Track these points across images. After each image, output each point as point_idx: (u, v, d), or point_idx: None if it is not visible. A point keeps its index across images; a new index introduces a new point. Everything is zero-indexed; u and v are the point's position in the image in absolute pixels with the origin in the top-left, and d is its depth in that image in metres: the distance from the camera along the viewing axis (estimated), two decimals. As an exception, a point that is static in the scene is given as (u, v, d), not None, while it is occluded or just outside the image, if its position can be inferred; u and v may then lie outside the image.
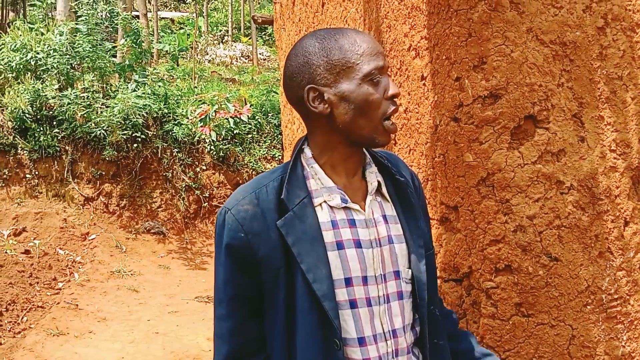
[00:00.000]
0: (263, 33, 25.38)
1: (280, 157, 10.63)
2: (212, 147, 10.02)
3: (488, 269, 2.15)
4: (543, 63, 2.09)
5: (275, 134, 11.01)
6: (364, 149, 1.57)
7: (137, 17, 15.03)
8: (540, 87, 2.09)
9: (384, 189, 1.55)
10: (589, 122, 2.15)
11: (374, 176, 1.53)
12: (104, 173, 9.36)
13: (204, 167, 10.08)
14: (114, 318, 6.59)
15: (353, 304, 1.42)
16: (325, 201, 1.45)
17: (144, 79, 9.88)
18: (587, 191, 2.14)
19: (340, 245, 1.42)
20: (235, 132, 10.25)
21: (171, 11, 28.85)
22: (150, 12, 20.03)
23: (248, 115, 9.38)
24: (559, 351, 2.14)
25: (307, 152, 1.51)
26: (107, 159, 9.28)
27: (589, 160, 2.14)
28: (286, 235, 1.40)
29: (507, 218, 2.11)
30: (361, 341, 1.43)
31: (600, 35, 2.15)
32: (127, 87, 9.53)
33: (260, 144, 10.83)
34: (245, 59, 22.30)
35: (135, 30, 10.29)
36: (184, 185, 9.74)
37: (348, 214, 1.46)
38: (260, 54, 22.40)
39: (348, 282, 1.42)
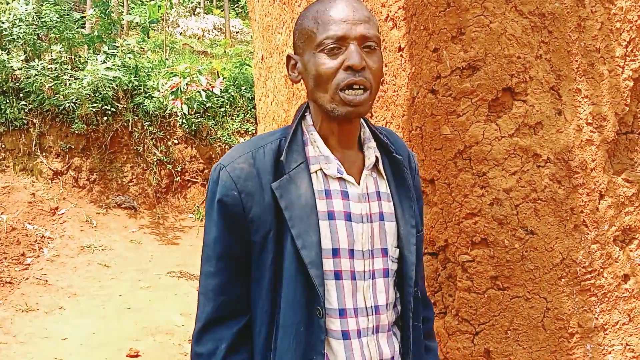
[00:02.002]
0: (236, 5, 24.97)
1: (253, 131, 10.53)
2: (184, 121, 9.87)
3: (464, 242, 2.14)
4: (522, 34, 2.06)
5: (249, 108, 10.89)
6: (364, 122, 1.54)
7: (106, -13, 14.64)
8: (518, 59, 2.07)
9: (380, 165, 1.52)
10: (566, 94, 2.14)
11: (372, 151, 1.51)
12: (73, 147, 9.15)
13: (176, 141, 9.94)
14: (85, 293, 6.50)
15: (338, 275, 1.41)
16: (321, 169, 1.43)
17: (114, 51, 9.64)
18: (563, 164, 2.14)
19: (331, 216, 1.41)
20: (207, 105, 10.10)
21: (141, -18, 28.23)
22: (120, -18, 19.55)
23: (221, 89, 9.23)
24: (533, 324, 2.15)
25: (309, 118, 1.49)
26: (77, 132, 9.06)
27: (565, 134, 2.14)
28: (280, 198, 1.38)
29: (484, 191, 2.10)
30: (342, 313, 1.42)
31: (579, 7, 2.13)
32: (97, 59, 9.27)
33: (234, 117, 10.70)
34: (218, 31, 21.92)
35: (104, 1, 10.01)
36: (155, 159, 9.59)
37: (342, 185, 1.44)
38: (232, 26, 22.04)
39: (335, 252, 1.40)
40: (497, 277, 2.12)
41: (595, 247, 2.19)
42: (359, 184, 1.46)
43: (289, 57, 1.48)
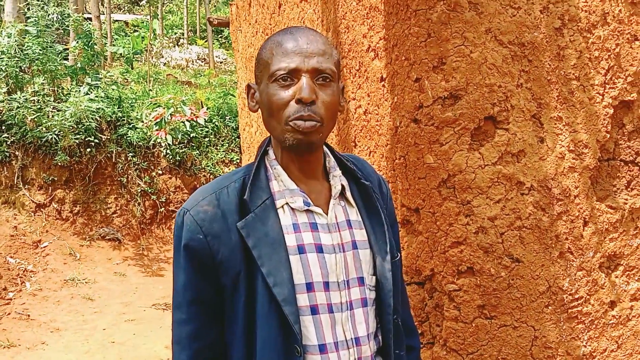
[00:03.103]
0: (219, 36, 25.15)
1: (238, 161, 10.52)
2: (168, 151, 9.85)
3: (450, 271, 2.13)
4: (502, 64, 2.08)
5: (233, 137, 10.90)
6: (328, 152, 1.53)
7: (90, 19, 14.71)
8: (499, 88, 2.08)
9: (348, 193, 1.50)
10: (547, 122, 2.15)
11: (337, 180, 1.49)
12: (56, 179, 9.09)
13: (160, 172, 9.90)
14: (68, 328, 6.39)
15: (314, 310, 1.38)
16: (287, 203, 1.41)
17: (97, 82, 9.64)
18: (547, 192, 2.14)
19: (301, 250, 1.38)
20: (191, 135, 10.10)
21: (125, 14, 28.37)
22: (103, 14, 19.64)
23: (205, 119, 9.26)
24: (522, 352, 2.13)
25: (271, 153, 1.48)
26: (59, 164, 9.01)
27: (548, 161, 2.15)
28: (247, 237, 1.35)
29: (469, 220, 2.10)
30: (322, 348, 1.38)
31: (558, 36, 2.16)
32: (80, 91, 9.27)
33: (218, 147, 10.70)
34: (202, 61, 22.05)
35: (87, 32, 10.04)
36: (139, 190, 9.54)
37: (310, 218, 1.42)
38: (216, 56, 22.19)
39: (309, 287, 1.37)
40: (485, 305, 2.11)
41: (581, 274, 2.19)
42: (327, 214, 1.44)
43: (248, 86, 1.48)
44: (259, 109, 1.46)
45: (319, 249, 1.39)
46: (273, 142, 1.49)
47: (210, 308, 1.39)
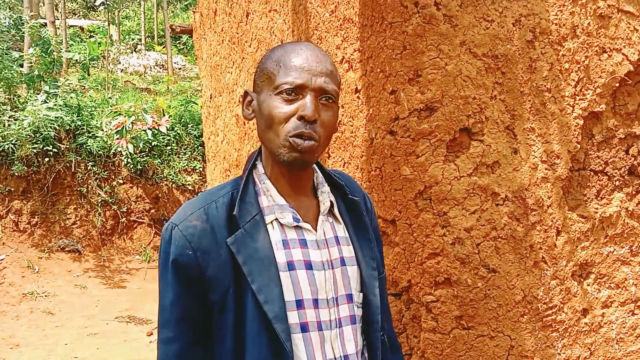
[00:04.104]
0: (177, 42, 24.89)
1: (201, 169, 10.41)
2: (129, 160, 9.68)
3: (427, 282, 2.13)
4: (476, 76, 2.10)
5: (196, 146, 10.78)
6: (316, 167, 1.52)
7: (45, 25, 14.38)
8: (474, 100, 2.10)
9: (335, 210, 1.49)
10: (521, 134, 2.18)
11: (326, 196, 1.48)
12: (12, 189, 8.84)
13: (121, 181, 9.73)
14: (29, 344, 6.20)
15: (304, 328, 1.36)
16: (276, 219, 1.39)
17: (55, 90, 9.42)
18: (521, 202, 2.17)
19: (291, 266, 1.36)
20: (153, 144, 9.96)
21: (80, 19, 27.85)
22: (58, 19, 19.24)
23: (167, 127, 9.14)
24: (499, 362, 2.15)
25: (260, 167, 1.46)
26: (16, 174, 8.77)
27: (522, 172, 2.17)
28: (236, 254, 1.32)
29: (445, 231, 2.10)
30: None
31: (530, 49, 2.19)
32: (37, 99, 9.05)
33: (180, 155, 10.57)
34: (160, 68, 21.79)
35: (45, 39, 9.81)
36: (99, 200, 9.36)
37: (299, 234, 1.40)
38: (175, 62, 21.95)
39: (299, 304, 1.36)
40: (462, 316, 2.12)
41: (555, 283, 2.22)
42: (316, 230, 1.43)
43: (246, 93, 1.46)
44: (254, 118, 1.44)
45: (309, 265, 1.38)
46: (263, 155, 1.47)
47: (198, 326, 1.35)
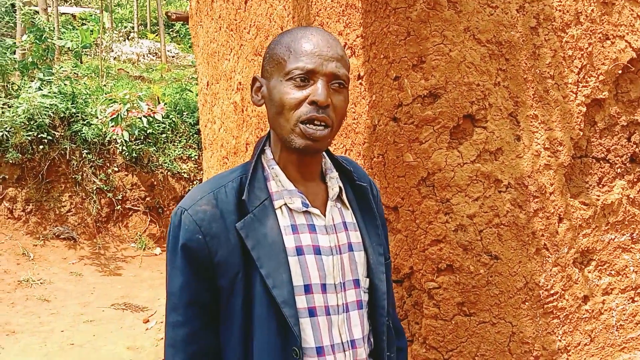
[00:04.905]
0: (171, 30, 24.72)
1: (196, 157, 10.37)
2: (124, 148, 9.64)
3: (430, 269, 2.13)
4: (480, 62, 2.10)
5: (191, 134, 10.74)
6: (324, 153, 1.51)
7: (37, 12, 14.24)
8: (478, 87, 2.09)
9: (344, 196, 1.49)
10: (524, 120, 2.18)
11: (335, 181, 1.48)
12: (7, 177, 8.78)
13: (116, 169, 9.69)
14: (24, 331, 6.19)
15: (312, 312, 1.36)
16: (285, 204, 1.39)
17: (49, 77, 9.34)
18: (523, 189, 2.17)
19: (300, 251, 1.36)
20: (148, 131, 9.90)
21: (72, 6, 27.61)
22: (50, 7, 19.06)
23: (162, 114, 9.07)
24: (500, 348, 2.15)
25: (268, 152, 1.45)
26: (11, 161, 8.70)
27: (524, 159, 2.17)
28: (245, 238, 1.32)
29: (448, 217, 2.10)
30: (319, 351, 1.36)
31: (533, 35, 2.18)
32: (31, 86, 8.97)
33: (175, 143, 10.53)
34: (153, 56, 21.64)
35: (39, 26, 9.72)
36: (94, 188, 9.32)
37: (308, 219, 1.40)
38: (168, 50, 21.80)
39: (307, 289, 1.35)
40: (464, 303, 2.12)
41: (556, 270, 2.23)
42: (324, 215, 1.43)
43: (254, 79, 1.45)
44: (264, 104, 1.43)
45: (317, 250, 1.38)
46: (272, 141, 1.46)
47: (207, 310, 1.35)
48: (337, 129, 1.39)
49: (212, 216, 1.34)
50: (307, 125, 1.33)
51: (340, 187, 1.48)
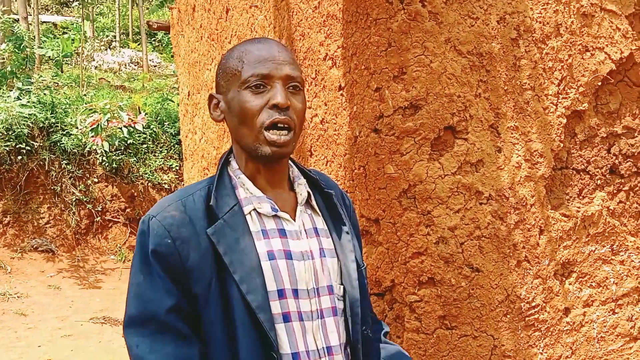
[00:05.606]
0: (153, 39, 24.63)
1: (177, 168, 10.30)
2: (104, 158, 9.55)
3: (411, 282, 2.11)
4: (461, 74, 2.09)
5: (172, 144, 10.67)
6: (291, 162, 1.50)
7: (17, 20, 14.12)
8: (458, 98, 2.08)
9: (313, 202, 1.49)
10: (504, 132, 2.17)
11: (303, 187, 1.48)
12: (-16, 188, 8.67)
13: (96, 180, 9.59)
14: (0, 346, 6.07)
15: (286, 318, 1.35)
16: (255, 209, 1.38)
17: (29, 87, 9.25)
18: (504, 201, 2.16)
19: (271, 256, 1.35)
20: (129, 142, 9.83)
21: (53, 15, 27.43)
22: (31, 15, 18.91)
23: (143, 125, 9.01)
24: (482, 362, 2.13)
25: (234, 163, 1.46)
26: (-12, 172, 8.60)
27: (505, 170, 2.16)
28: (217, 244, 1.31)
29: (429, 230, 2.09)
30: (295, 357, 1.34)
31: (514, 47, 2.18)
32: (10, 95, 8.87)
33: (156, 154, 10.45)
34: (135, 65, 21.55)
35: (18, 35, 9.62)
36: (74, 199, 9.21)
37: (278, 224, 1.39)
38: (150, 60, 21.71)
39: (281, 294, 1.34)
40: (445, 316, 2.10)
41: (537, 282, 2.22)
42: (294, 220, 1.42)
43: (211, 97, 1.46)
44: (224, 119, 1.44)
45: (288, 255, 1.37)
46: (236, 152, 1.46)
47: (187, 317, 1.31)
48: (299, 132, 1.41)
49: (181, 221, 1.32)
50: (271, 131, 1.34)
51: (308, 192, 1.48)
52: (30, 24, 17.00)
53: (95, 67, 19.88)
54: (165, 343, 1.29)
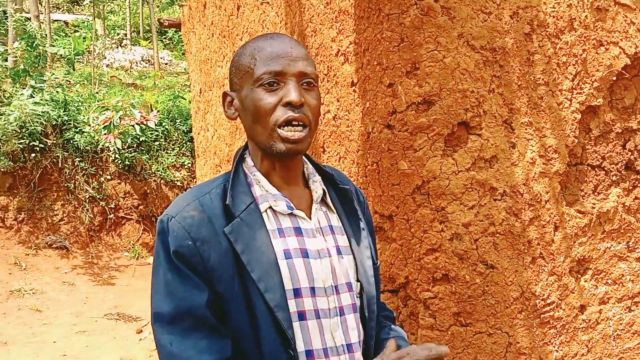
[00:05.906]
0: (163, 37, 24.69)
1: (189, 165, 10.33)
2: (117, 156, 9.58)
3: (425, 278, 2.10)
4: (474, 69, 2.07)
5: (184, 141, 10.69)
6: (305, 159, 1.50)
7: (29, 19, 14.20)
8: (472, 94, 2.07)
9: (328, 199, 1.48)
10: (518, 128, 2.15)
11: (318, 185, 1.47)
12: (-2, 185, 8.74)
13: (109, 177, 9.63)
14: (16, 342, 6.11)
15: (301, 316, 1.34)
16: (270, 207, 1.38)
17: (41, 85, 9.29)
18: (519, 197, 2.14)
19: (287, 254, 1.34)
20: (141, 139, 9.86)
21: (64, 13, 27.54)
22: (42, 14, 19.01)
23: (155, 122, 9.04)
24: (497, 359, 2.12)
25: (249, 160, 1.45)
26: (2, 169, 8.64)
27: (519, 166, 2.15)
28: (235, 243, 1.30)
29: (443, 226, 2.08)
30: (309, 354, 1.34)
31: (527, 42, 2.16)
32: (23, 93, 8.92)
33: (169, 151, 10.48)
34: (146, 63, 21.60)
35: (30, 33, 9.67)
36: (87, 196, 9.26)
37: (294, 222, 1.39)
38: (161, 58, 21.76)
39: (297, 292, 1.34)
40: (460, 313, 2.09)
41: (552, 279, 2.20)
42: (310, 218, 1.42)
43: (224, 94, 1.45)
44: (239, 117, 1.43)
45: (305, 253, 1.36)
46: (251, 149, 1.45)
47: (209, 321, 1.31)
48: (314, 129, 1.39)
49: (201, 221, 1.32)
50: (284, 128, 1.33)
51: (324, 190, 1.47)
52: (42, 22, 17.10)
53: (107, 65, 19.96)
54: (198, 338, 1.29)
